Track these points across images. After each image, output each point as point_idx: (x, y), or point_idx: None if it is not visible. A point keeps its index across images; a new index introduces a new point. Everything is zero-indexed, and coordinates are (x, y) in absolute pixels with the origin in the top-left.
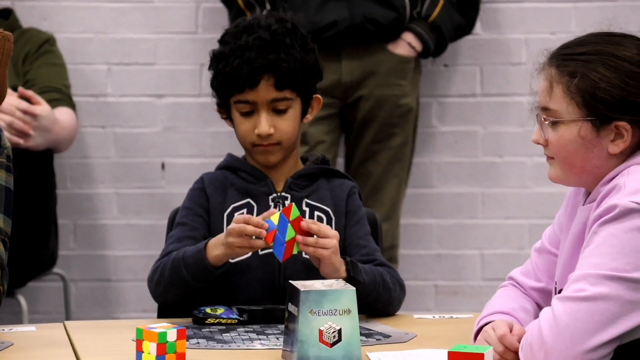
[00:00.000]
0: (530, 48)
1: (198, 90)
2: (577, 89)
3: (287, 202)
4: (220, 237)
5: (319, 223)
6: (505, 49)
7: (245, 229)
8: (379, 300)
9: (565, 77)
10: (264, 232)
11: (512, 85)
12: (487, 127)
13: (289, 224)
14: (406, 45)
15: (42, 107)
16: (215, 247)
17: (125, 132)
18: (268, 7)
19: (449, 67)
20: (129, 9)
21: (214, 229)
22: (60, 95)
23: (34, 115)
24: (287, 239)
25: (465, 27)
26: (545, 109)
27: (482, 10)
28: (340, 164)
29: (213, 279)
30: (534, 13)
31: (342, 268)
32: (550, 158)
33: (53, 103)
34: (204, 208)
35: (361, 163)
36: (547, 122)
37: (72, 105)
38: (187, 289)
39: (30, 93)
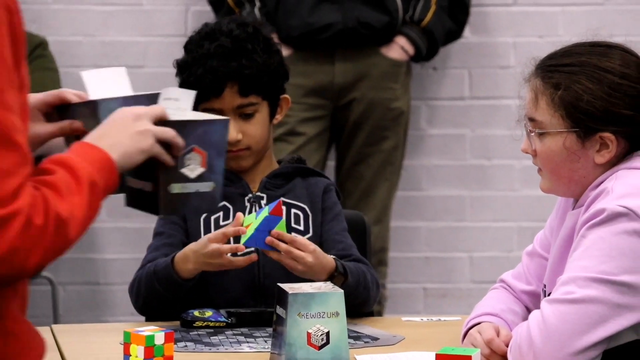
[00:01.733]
0: (518, 51)
1: None
2: (560, 101)
3: (263, 202)
4: (188, 252)
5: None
6: (494, 53)
7: (224, 248)
8: (357, 297)
9: (550, 88)
10: (244, 230)
11: (501, 88)
12: (476, 130)
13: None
14: (399, 49)
15: None
16: (186, 262)
17: None
18: (258, 4)
19: (438, 70)
20: (119, 12)
21: (191, 234)
22: None
23: None
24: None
25: (455, 31)
26: (531, 120)
27: (471, 14)
28: (331, 167)
29: (189, 288)
30: (522, 17)
31: (331, 262)
32: (539, 169)
33: None
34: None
35: (352, 166)
36: (533, 133)
37: None
38: (164, 300)
39: None
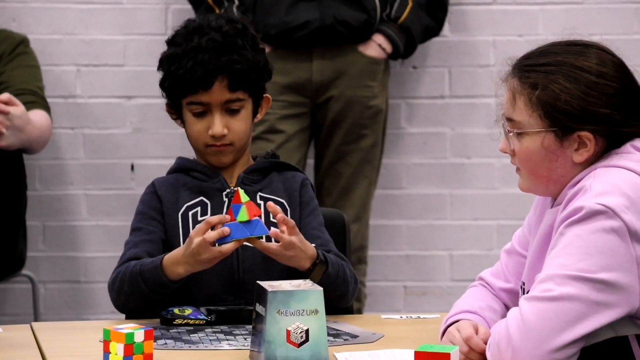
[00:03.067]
0: (498, 50)
1: None
2: (538, 101)
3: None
4: (178, 255)
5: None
6: (474, 51)
7: (210, 235)
8: (336, 290)
9: (527, 88)
10: (227, 217)
11: (480, 87)
12: (456, 128)
13: (243, 206)
14: (376, 46)
15: (15, 107)
16: (176, 265)
17: (94, 133)
18: (237, 2)
19: (418, 68)
20: (99, 10)
21: (169, 229)
22: (35, 98)
23: (6, 114)
24: (247, 218)
25: (433, 28)
26: (509, 120)
27: (450, 12)
28: (309, 165)
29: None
30: (502, 15)
31: (312, 248)
32: (518, 169)
33: (28, 106)
34: (157, 210)
35: (331, 164)
36: (511, 133)
37: (46, 107)
38: (147, 300)
39: (6, 97)
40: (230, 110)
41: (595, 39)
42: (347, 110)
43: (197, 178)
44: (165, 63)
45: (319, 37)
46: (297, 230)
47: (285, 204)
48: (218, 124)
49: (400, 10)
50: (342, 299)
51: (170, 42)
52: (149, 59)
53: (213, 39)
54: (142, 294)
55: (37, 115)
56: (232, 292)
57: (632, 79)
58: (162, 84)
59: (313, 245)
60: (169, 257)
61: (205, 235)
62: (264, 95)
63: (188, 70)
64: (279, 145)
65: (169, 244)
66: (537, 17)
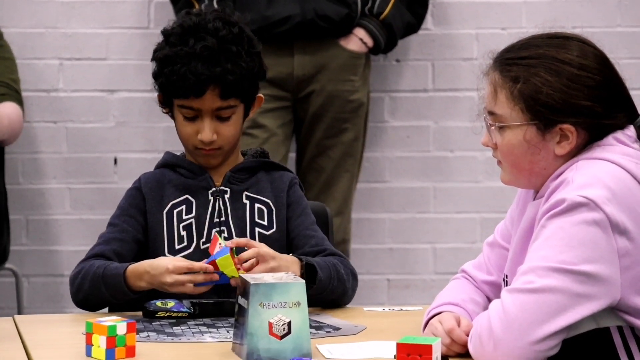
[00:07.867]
0: (481, 43)
1: (150, 85)
2: (520, 94)
3: (226, 196)
4: (142, 270)
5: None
6: (457, 45)
7: (195, 278)
8: (334, 292)
9: (509, 82)
10: (216, 276)
11: (463, 80)
12: (439, 122)
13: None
14: (358, 40)
15: None
16: (139, 279)
17: (77, 127)
18: None
19: (401, 62)
20: (81, 4)
21: (152, 227)
22: (7, 90)
23: None
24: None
25: (414, 25)
26: (491, 113)
27: (433, 5)
28: (292, 159)
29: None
30: (485, 8)
31: (297, 269)
32: (499, 162)
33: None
34: (138, 209)
35: (313, 158)
36: (493, 127)
37: (19, 100)
38: (106, 303)
39: None
40: (221, 117)
41: (577, 31)
42: (328, 105)
43: (183, 175)
44: (158, 61)
45: (300, 31)
46: (272, 254)
47: (271, 204)
48: (207, 131)
49: (382, 6)
50: (343, 297)
51: (165, 39)
52: (132, 53)
53: (208, 46)
54: (102, 296)
55: (7, 108)
56: (217, 296)
57: (613, 71)
58: (155, 78)
59: (290, 254)
60: (134, 269)
61: (179, 277)
62: (257, 95)
63: (180, 77)
64: (263, 140)
65: (152, 242)
66: (520, 10)
